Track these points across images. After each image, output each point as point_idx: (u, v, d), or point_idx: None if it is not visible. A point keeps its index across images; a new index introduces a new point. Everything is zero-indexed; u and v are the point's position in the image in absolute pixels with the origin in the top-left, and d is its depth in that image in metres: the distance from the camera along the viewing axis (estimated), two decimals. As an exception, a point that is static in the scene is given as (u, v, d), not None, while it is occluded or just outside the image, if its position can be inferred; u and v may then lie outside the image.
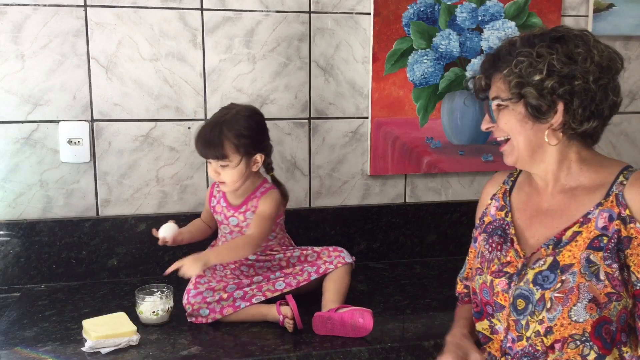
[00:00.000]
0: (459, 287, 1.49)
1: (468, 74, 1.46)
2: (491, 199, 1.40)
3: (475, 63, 1.71)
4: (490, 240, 1.33)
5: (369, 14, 1.99)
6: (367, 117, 2.04)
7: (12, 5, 1.77)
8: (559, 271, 1.18)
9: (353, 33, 2.00)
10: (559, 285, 1.17)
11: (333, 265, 1.66)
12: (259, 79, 1.95)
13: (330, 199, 2.06)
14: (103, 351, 1.41)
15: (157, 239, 1.81)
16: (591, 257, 1.17)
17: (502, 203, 1.36)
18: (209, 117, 1.92)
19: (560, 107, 1.18)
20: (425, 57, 2.03)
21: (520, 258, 1.25)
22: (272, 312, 1.56)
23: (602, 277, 1.15)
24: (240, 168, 1.62)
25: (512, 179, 1.40)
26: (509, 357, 1.24)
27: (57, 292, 1.80)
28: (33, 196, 1.85)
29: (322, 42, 1.98)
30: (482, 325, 1.30)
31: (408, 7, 1.99)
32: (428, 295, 1.80)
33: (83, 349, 1.43)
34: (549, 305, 1.17)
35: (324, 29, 1.98)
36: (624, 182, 1.20)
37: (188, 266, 1.52)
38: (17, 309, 1.67)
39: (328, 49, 1.99)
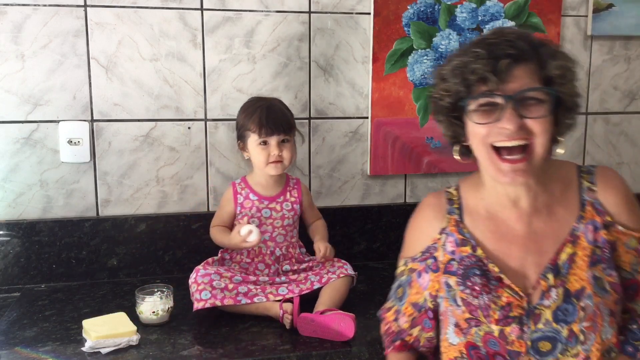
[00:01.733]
0: (390, 325, 1.29)
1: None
2: (440, 233, 1.21)
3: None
4: (470, 283, 1.15)
5: (369, 14, 1.99)
6: (367, 117, 2.04)
7: (12, 5, 1.77)
8: (574, 299, 1.11)
9: (353, 33, 2.00)
10: (582, 314, 1.10)
11: (335, 275, 1.68)
12: (259, 79, 1.95)
13: (330, 199, 2.06)
14: (103, 351, 1.41)
15: (157, 239, 1.82)
16: (596, 273, 1.13)
17: (461, 237, 1.19)
18: (209, 117, 1.93)
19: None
20: (425, 57, 2.03)
21: (522, 297, 1.13)
22: (274, 307, 1.57)
23: (607, 288, 1.13)
24: (294, 146, 1.75)
25: (456, 206, 1.23)
26: None
27: (57, 292, 1.80)
28: (33, 196, 1.85)
29: (322, 42, 1.98)
30: None
31: (408, 7, 1.99)
32: (428, 295, 1.80)
33: (83, 349, 1.43)
34: (582, 338, 1.10)
35: (324, 29, 1.98)
36: (594, 188, 1.17)
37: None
38: (17, 309, 1.67)
39: (328, 49, 1.99)
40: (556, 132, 1.15)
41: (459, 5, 2.03)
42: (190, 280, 1.60)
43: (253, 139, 1.69)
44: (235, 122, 1.79)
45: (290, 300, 1.58)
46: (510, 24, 2.07)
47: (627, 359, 1.17)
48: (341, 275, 1.68)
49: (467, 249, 1.18)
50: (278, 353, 1.43)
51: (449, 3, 2.02)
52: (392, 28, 1.99)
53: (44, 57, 1.81)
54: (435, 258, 1.22)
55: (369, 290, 1.82)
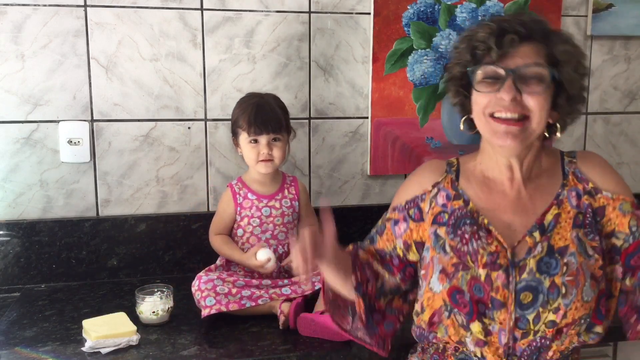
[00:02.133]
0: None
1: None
2: (433, 186, 1.27)
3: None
4: (460, 232, 1.21)
5: (369, 14, 1.99)
6: (367, 117, 2.04)
7: (12, 5, 1.77)
8: (557, 255, 1.17)
9: (353, 33, 2.00)
10: (565, 268, 1.15)
11: None
12: (259, 79, 1.95)
13: (330, 199, 2.06)
14: (103, 351, 1.41)
15: (157, 239, 1.82)
16: (579, 235, 1.18)
17: (455, 192, 1.26)
18: (209, 117, 1.93)
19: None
20: (425, 57, 2.03)
21: (506, 248, 1.18)
22: (276, 306, 1.57)
23: (590, 252, 1.18)
24: (285, 145, 1.71)
25: (454, 168, 1.30)
26: (515, 358, 1.17)
27: (57, 292, 1.80)
28: (33, 196, 1.85)
29: (322, 42, 1.98)
30: (473, 328, 1.17)
31: (408, 7, 1.99)
32: (428, 295, 1.80)
33: (83, 349, 1.43)
34: (563, 290, 1.14)
35: (324, 29, 1.98)
36: (574, 161, 1.26)
37: None
38: (17, 309, 1.67)
39: (328, 49, 1.99)
40: (555, 118, 1.21)
41: (459, 5, 2.03)
42: (194, 288, 1.59)
43: (244, 137, 1.68)
44: (234, 121, 1.79)
45: (290, 300, 1.58)
46: (510, 24, 2.07)
47: None
48: None
49: (460, 202, 1.24)
50: (278, 353, 1.43)
51: (449, 3, 2.02)
52: (392, 28, 1.99)
53: (44, 57, 1.81)
54: (420, 208, 1.27)
55: (369, 290, 1.82)
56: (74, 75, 1.83)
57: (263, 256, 1.63)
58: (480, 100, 1.18)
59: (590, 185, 1.22)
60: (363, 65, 2.02)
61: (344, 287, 1.26)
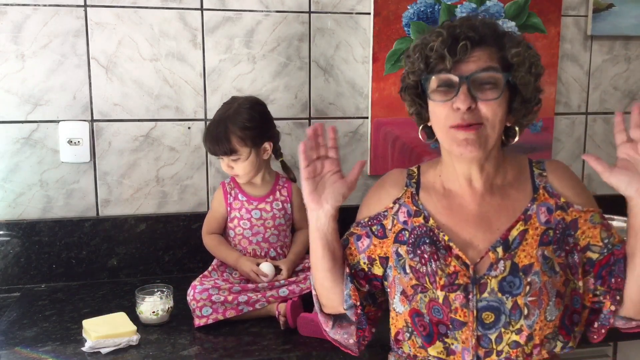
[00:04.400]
0: None
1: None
2: (394, 202, 1.27)
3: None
4: (419, 251, 1.19)
5: (369, 14, 1.99)
6: (367, 117, 2.04)
7: (12, 5, 1.77)
8: (521, 274, 1.14)
9: (353, 33, 2.00)
10: (527, 288, 1.13)
11: None
12: (259, 79, 1.95)
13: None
14: (103, 351, 1.41)
15: (157, 239, 1.80)
16: (545, 252, 1.16)
17: (415, 208, 1.24)
18: (209, 117, 1.92)
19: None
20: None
21: (468, 265, 1.16)
22: (274, 307, 1.57)
23: (557, 269, 1.16)
24: (252, 159, 1.65)
25: (414, 180, 1.29)
26: None
27: (57, 292, 1.80)
28: (33, 196, 1.85)
29: (322, 42, 1.98)
30: (435, 350, 1.17)
31: (408, 7, 1.99)
32: (428, 295, 1.80)
33: (83, 349, 1.43)
34: (525, 312, 1.12)
35: (324, 29, 1.98)
36: (544, 174, 1.23)
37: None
38: (17, 309, 1.67)
39: (328, 49, 1.99)
40: (511, 121, 1.20)
41: (459, 5, 2.03)
42: (189, 298, 1.56)
43: None
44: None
45: (286, 300, 1.58)
46: (511, 23, 2.07)
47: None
48: None
49: (420, 219, 1.23)
50: (278, 353, 1.43)
51: (449, 3, 2.02)
52: (392, 28, 1.99)
53: (44, 57, 1.81)
54: (382, 225, 1.27)
55: (369, 290, 1.82)
56: (74, 75, 1.83)
57: (266, 269, 1.63)
58: (438, 111, 1.16)
59: (562, 199, 1.20)
60: (363, 65, 2.02)
61: (329, 265, 1.24)
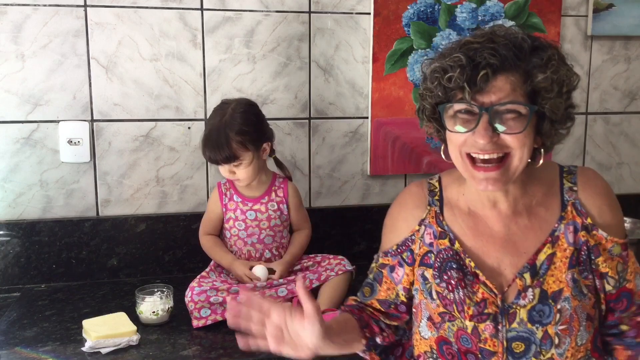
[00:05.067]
0: (349, 301, 1.27)
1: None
2: (419, 224, 1.19)
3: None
4: (446, 277, 1.13)
5: (369, 14, 1.99)
6: (367, 117, 2.04)
7: (12, 5, 1.77)
8: (551, 301, 1.09)
9: (353, 33, 2.00)
10: (558, 317, 1.08)
11: (334, 272, 1.68)
12: (259, 79, 1.95)
13: (330, 199, 2.06)
14: (103, 351, 1.41)
15: (157, 239, 1.80)
16: (575, 275, 1.11)
17: (440, 229, 1.17)
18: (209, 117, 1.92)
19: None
20: (425, 57, 2.02)
21: (496, 294, 1.11)
22: None
23: (585, 291, 1.11)
24: (254, 162, 1.65)
25: (437, 197, 1.20)
26: None
27: (57, 292, 1.80)
28: (33, 196, 1.85)
29: (322, 42, 1.98)
30: None
31: (408, 7, 1.99)
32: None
33: (83, 349, 1.43)
34: (556, 341, 1.08)
35: (324, 29, 1.98)
36: (575, 188, 1.15)
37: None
38: (17, 309, 1.67)
39: (328, 49, 1.99)
40: (539, 143, 1.11)
41: (459, 5, 2.03)
42: (187, 299, 1.57)
43: None
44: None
45: (288, 300, 1.58)
46: (510, 23, 2.07)
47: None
48: (339, 272, 1.67)
49: (445, 242, 1.16)
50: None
51: (449, 3, 2.02)
52: (392, 28, 1.99)
53: (44, 57, 1.81)
54: (412, 251, 1.19)
55: (369, 290, 1.82)
56: (74, 75, 1.83)
57: (258, 272, 1.63)
58: (455, 138, 1.08)
59: (589, 220, 1.13)
60: (363, 65, 2.02)
61: (345, 347, 1.15)
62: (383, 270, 1.23)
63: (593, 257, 1.12)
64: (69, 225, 1.86)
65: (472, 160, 1.08)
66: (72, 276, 1.87)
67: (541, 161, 1.13)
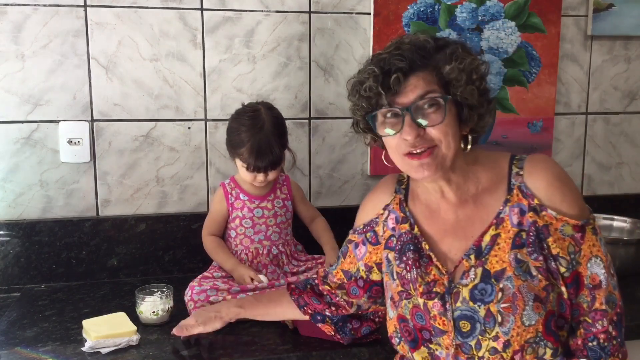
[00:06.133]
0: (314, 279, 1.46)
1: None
2: (384, 209, 1.30)
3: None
4: (405, 258, 1.23)
5: (369, 14, 1.99)
6: (367, 117, 2.04)
7: (12, 5, 1.77)
8: (493, 280, 1.13)
9: (353, 33, 2.00)
10: (500, 295, 1.12)
11: None
12: (259, 79, 1.95)
13: (330, 199, 2.06)
14: (103, 351, 1.41)
15: (157, 239, 1.79)
16: (518, 256, 1.13)
17: (402, 214, 1.27)
18: (209, 117, 1.93)
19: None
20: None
21: (444, 275, 1.18)
22: None
23: (534, 272, 1.13)
24: (283, 162, 1.71)
25: (403, 187, 1.31)
26: None
27: (57, 292, 1.80)
28: (33, 196, 1.85)
29: (322, 42, 1.98)
30: (420, 355, 1.19)
31: (408, 7, 1.99)
32: (428, 295, 1.80)
33: (83, 349, 1.43)
34: (499, 319, 1.11)
35: (324, 29, 1.98)
36: (521, 172, 1.19)
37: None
38: (17, 309, 1.67)
39: (328, 49, 1.99)
40: (467, 130, 1.19)
41: (459, 5, 2.03)
42: (186, 298, 1.57)
43: (241, 163, 1.66)
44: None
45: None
46: (511, 24, 2.07)
47: None
48: None
49: (406, 226, 1.26)
50: (278, 353, 1.43)
51: (449, 3, 2.02)
52: (392, 28, 1.99)
53: (44, 57, 1.81)
54: (375, 232, 1.31)
55: (369, 290, 1.82)
56: (74, 75, 1.83)
57: (262, 278, 1.63)
58: (389, 142, 1.18)
59: (536, 201, 1.16)
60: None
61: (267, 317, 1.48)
62: (349, 246, 1.37)
63: (543, 237, 1.14)
64: (69, 225, 1.86)
65: (408, 155, 1.17)
66: (72, 276, 1.87)
67: (469, 146, 1.20)
